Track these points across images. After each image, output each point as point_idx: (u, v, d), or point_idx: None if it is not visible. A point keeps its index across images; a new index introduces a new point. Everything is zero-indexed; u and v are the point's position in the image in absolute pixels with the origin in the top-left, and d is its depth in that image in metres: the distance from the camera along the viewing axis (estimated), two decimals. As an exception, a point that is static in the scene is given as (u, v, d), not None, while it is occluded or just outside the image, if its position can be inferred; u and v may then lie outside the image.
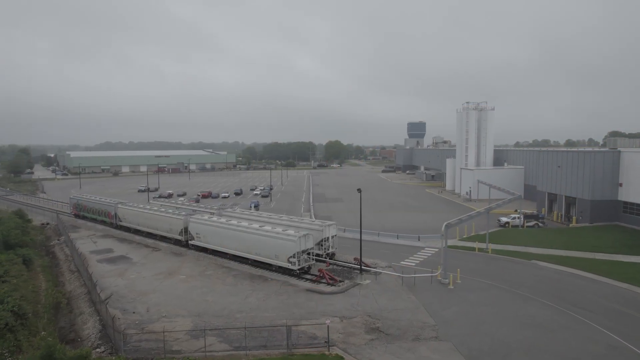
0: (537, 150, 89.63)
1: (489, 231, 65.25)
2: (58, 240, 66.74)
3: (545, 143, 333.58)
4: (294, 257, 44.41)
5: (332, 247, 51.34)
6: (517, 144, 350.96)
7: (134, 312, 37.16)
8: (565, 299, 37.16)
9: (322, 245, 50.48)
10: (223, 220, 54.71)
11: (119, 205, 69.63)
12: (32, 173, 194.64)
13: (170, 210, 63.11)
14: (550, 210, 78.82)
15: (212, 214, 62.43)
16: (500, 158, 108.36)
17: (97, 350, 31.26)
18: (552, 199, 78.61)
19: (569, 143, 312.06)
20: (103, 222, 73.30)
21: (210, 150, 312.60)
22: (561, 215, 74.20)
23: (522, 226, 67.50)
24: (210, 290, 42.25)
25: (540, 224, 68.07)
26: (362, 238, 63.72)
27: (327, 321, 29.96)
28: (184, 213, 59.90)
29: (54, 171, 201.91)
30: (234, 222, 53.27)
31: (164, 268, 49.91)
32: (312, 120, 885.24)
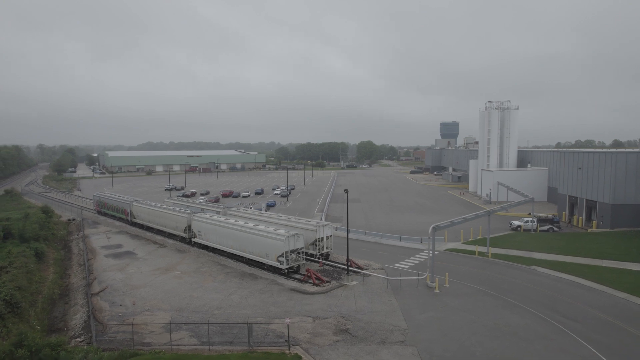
0: (558, 151, 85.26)
1: (498, 235, 63.33)
2: (77, 235, 70.56)
3: (590, 144, 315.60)
4: (283, 257, 44.79)
5: (326, 247, 51.28)
6: (558, 145, 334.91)
7: (120, 305, 38.86)
8: (553, 308, 35.33)
9: (316, 246, 50.60)
10: (222, 218, 55.98)
11: (134, 203, 72.71)
12: (75, 171, 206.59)
13: (178, 209, 65.21)
14: (572, 214, 74.85)
15: (218, 212, 63.99)
16: (525, 159, 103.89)
17: (77, 339, 33.00)
18: (574, 202, 74.63)
19: (616, 143, 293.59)
20: (120, 219, 76.86)
21: (242, 150, 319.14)
22: (582, 219, 70.30)
23: (535, 230, 64.47)
24: (198, 286, 43.42)
25: (555, 229, 64.78)
26: (365, 239, 63.68)
27: (287, 320, 30.11)
28: (188, 211, 61.77)
29: (94, 170, 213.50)
30: (231, 220, 54.42)
31: (163, 264, 51.74)
32: (347, 120, 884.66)
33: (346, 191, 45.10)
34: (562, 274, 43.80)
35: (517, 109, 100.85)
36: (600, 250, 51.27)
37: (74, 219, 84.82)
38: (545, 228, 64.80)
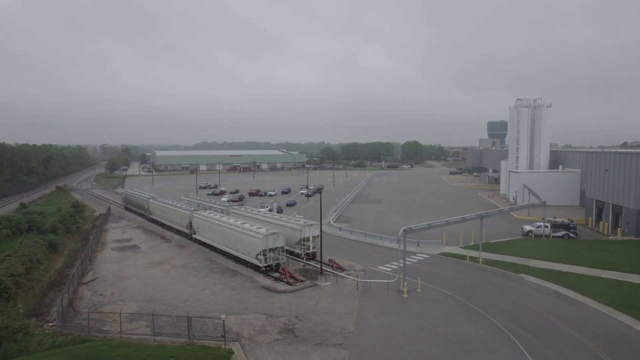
0: (586, 152, 78.79)
1: (504, 240, 60.34)
2: (100, 229, 75.80)
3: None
4: (261, 254, 45.53)
5: (312, 247, 51.40)
6: (624, 145, 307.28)
7: (100, 295, 41.60)
8: (517, 319, 33.08)
9: (302, 245, 50.87)
10: (217, 216, 57.77)
11: (151, 200, 76.86)
12: (126, 169, 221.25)
13: (185, 206, 68.09)
14: (599, 219, 69.02)
15: (222, 210, 66.06)
16: (558, 160, 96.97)
17: (50, 324, 35.87)
18: (601, 207, 68.78)
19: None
20: (141, 215, 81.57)
21: (284, 150, 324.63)
22: (608, 226, 64.65)
23: (548, 236, 60.19)
24: (179, 280, 45.31)
25: (571, 235, 60.07)
26: (364, 241, 62.91)
27: (222, 316, 30.78)
28: (192, 208, 64.32)
29: (142, 168, 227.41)
30: (224, 218, 56.04)
31: (159, 258, 54.40)
32: (397, 119, 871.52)
33: (319, 191, 44.82)
34: (549, 284, 40.73)
35: (550, 106, 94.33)
36: (608, 260, 46.98)
37: (104, 214, 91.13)
38: (560, 234, 60.32)
